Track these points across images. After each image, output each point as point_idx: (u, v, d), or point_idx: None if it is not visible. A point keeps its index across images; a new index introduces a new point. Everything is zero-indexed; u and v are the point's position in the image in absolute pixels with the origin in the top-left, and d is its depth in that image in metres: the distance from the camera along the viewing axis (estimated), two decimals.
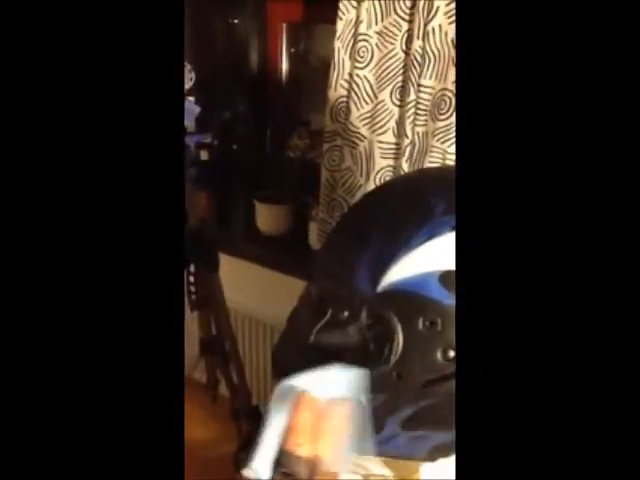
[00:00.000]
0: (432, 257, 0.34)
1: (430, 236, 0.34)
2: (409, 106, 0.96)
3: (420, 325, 0.34)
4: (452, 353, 0.33)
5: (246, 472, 0.32)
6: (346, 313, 0.36)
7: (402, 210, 0.38)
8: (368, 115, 1.01)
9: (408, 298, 0.34)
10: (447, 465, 0.36)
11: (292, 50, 1.36)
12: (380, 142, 1.02)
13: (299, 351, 0.41)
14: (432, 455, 0.37)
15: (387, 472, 0.42)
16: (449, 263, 0.34)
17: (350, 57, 0.99)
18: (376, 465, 0.42)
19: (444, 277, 0.34)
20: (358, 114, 1.01)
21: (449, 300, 0.33)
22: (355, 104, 1.01)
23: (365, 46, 0.96)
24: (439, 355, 0.34)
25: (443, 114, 0.94)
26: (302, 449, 0.31)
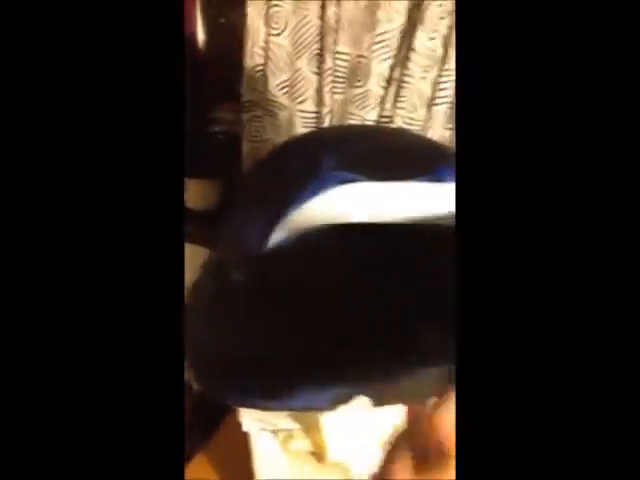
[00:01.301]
0: (318, 212, 0.35)
1: (316, 192, 0.35)
2: (327, 74, 0.96)
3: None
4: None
5: None
6: (237, 274, 0.36)
7: (292, 169, 0.38)
8: (287, 84, 1.00)
9: (293, 255, 0.35)
10: (345, 410, 0.37)
11: (210, 17, 1.31)
12: (300, 111, 1.01)
13: (202, 322, 0.41)
14: (332, 405, 0.39)
15: (294, 425, 0.43)
16: (336, 217, 0.35)
17: (264, 23, 0.97)
18: (284, 419, 0.43)
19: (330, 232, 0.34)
20: (276, 82, 1.00)
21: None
22: (273, 73, 0.99)
23: (279, 12, 0.94)
24: None
25: (360, 81, 0.95)
26: None
